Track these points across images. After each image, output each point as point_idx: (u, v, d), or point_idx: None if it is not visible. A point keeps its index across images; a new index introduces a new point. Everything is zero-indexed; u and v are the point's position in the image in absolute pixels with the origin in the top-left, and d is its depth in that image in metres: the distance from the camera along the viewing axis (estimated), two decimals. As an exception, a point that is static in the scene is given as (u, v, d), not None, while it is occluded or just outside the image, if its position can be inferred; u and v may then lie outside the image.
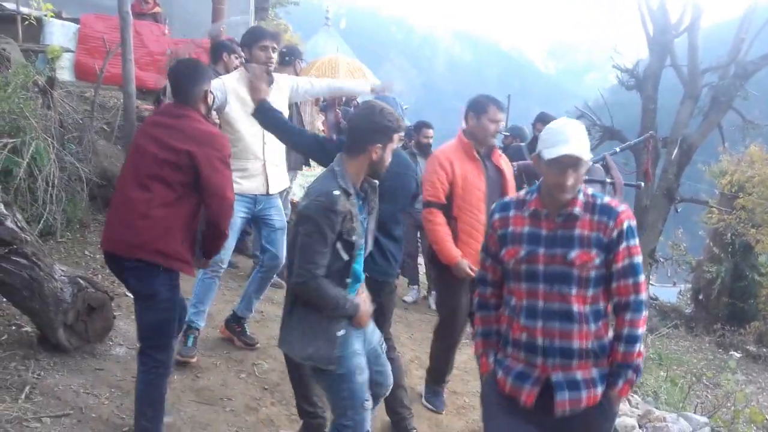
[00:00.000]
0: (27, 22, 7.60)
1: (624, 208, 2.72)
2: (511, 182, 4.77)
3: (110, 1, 8.03)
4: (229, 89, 4.67)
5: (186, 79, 3.65)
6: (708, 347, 16.39)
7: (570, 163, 2.63)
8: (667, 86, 14.18)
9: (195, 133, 3.52)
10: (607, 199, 2.77)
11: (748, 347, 16.06)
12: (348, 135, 3.23)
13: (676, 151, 12.78)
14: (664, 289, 21.59)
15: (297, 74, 6.53)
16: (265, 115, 4.02)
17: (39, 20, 8.74)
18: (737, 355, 13.06)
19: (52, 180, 5.57)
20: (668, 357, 9.31)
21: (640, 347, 2.72)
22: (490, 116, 4.53)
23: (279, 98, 4.72)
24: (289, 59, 6.55)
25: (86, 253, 6.18)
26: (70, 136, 6.87)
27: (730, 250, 18.53)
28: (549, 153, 2.67)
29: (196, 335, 4.78)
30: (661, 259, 16.55)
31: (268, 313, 5.81)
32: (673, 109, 13.86)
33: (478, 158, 4.58)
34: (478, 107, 4.58)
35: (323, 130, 8.37)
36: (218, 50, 6.51)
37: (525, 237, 2.76)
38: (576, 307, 2.66)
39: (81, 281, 4.38)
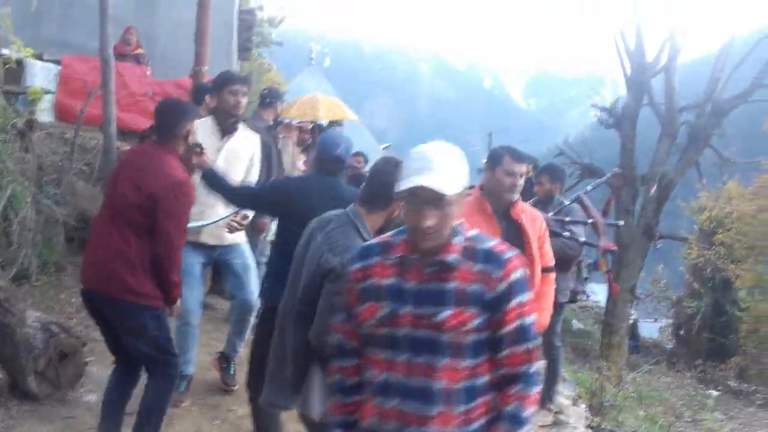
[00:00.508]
0: (8, 65, 7.62)
1: (514, 254, 2.19)
2: (533, 240, 4.17)
3: (93, 43, 8.07)
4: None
5: (168, 116, 3.72)
6: (689, 383, 16.37)
7: (429, 198, 2.05)
8: (647, 123, 14.39)
9: (162, 177, 3.55)
10: (492, 242, 2.22)
11: (729, 383, 16.05)
12: (369, 189, 3.13)
13: (654, 188, 12.91)
14: (646, 324, 21.66)
15: (278, 116, 6.58)
16: (208, 179, 4.04)
17: (20, 62, 8.75)
18: (715, 393, 13.08)
19: (28, 223, 5.53)
20: (648, 396, 9.31)
21: None
22: (506, 168, 3.95)
23: (241, 151, 4.71)
24: (270, 101, 6.58)
25: (61, 296, 6.13)
26: (49, 179, 6.87)
27: (710, 285, 18.65)
28: (403, 184, 2.10)
29: (189, 380, 4.75)
30: (641, 296, 16.61)
31: (245, 355, 5.76)
32: (651, 145, 14.03)
33: (493, 216, 4.05)
34: (493, 158, 4.08)
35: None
36: (200, 93, 6.55)
37: (387, 291, 2.16)
38: (439, 384, 2.07)
39: (53, 327, 4.35)
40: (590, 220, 5.54)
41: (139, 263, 3.52)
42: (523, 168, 4.08)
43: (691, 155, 13.28)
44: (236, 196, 4.09)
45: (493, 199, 4.05)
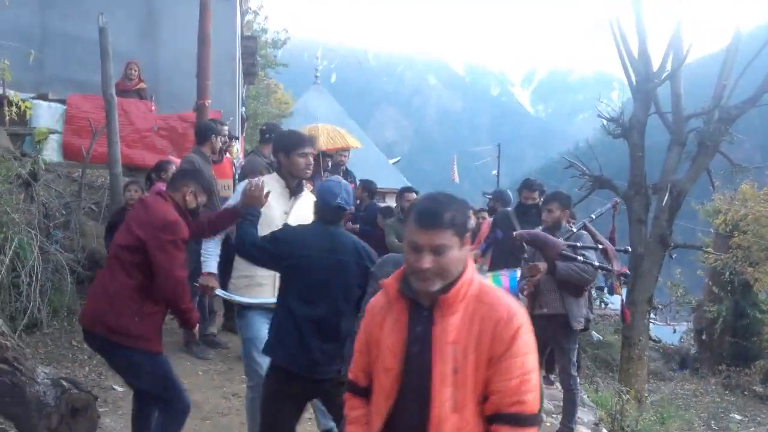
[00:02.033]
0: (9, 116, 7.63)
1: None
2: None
3: (97, 78, 8.10)
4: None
5: (176, 176, 4.28)
6: (714, 389, 16.22)
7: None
8: (656, 129, 14.26)
9: (152, 218, 3.86)
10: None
11: (754, 387, 15.88)
12: None
13: (666, 197, 12.76)
14: (667, 330, 21.45)
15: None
16: (245, 217, 3.96)
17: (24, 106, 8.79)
18: (738, 417, 12.89)
19: (36, 273, 5.52)
20: (669, 415, 9.15)
21: None
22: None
23: (309, 211, 4.49)
24: (269, 137, 6.56)
25: (73, 343, 6.11)
26: (56, 222, 6.87)
27: (729, 288, 18.50)
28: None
29: None
30: (660, 306, 16.46)
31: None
32: (661, 151, 13.88)
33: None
34: None
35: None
36: (206, 132, 6.54)
37: None
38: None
39: (64, 383, 4.29)
40: (600, 246, 5.46)
41: (128, 304, 3.76)
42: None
43: (701, 162, 13.12)
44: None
45: None
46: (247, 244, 3.81)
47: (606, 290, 5.78)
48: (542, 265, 5.35)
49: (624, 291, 14.06)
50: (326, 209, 3.71)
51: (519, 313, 2.16)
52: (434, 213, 2.15)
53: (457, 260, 2.16)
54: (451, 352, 2.13)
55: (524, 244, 5.59)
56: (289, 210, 4.41)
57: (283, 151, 4.48)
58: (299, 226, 3.87)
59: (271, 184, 4.36)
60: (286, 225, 3.92)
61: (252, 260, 3.88)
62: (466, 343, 2.13)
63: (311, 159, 4.52)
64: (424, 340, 2.18)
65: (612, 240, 6.08)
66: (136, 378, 3.90)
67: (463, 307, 2.16)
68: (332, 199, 3.68)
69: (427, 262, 2.12)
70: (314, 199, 3.97)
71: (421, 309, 2.23)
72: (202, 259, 4.47)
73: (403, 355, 2.22)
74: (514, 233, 5.50)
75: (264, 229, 3.96)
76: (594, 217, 5.97)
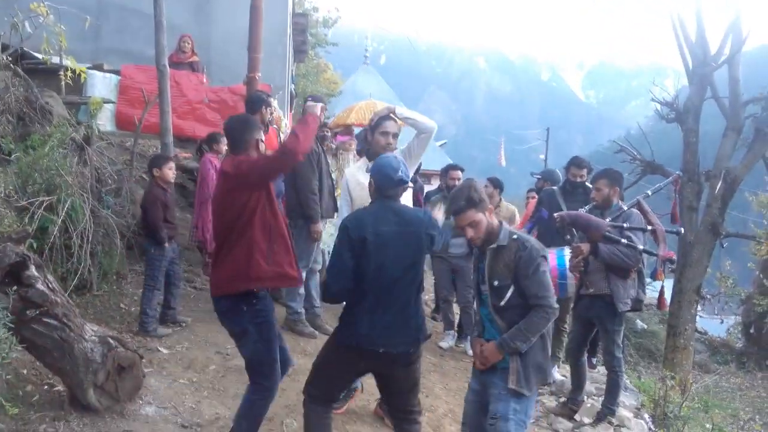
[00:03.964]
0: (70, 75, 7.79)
1: None
2: None
3: (151, 51, 8.24)
4: (351, 182, 4.94)
5: (234, 131, 4.04)
6: (760, 384, 15.84)
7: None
8: (710, 114, 13.89)
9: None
10: None
11: (802, 383, 15.47)
12: None
13: (720, 184, 12.44)
14: (713, 323, 21.00)
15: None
16: None
17: (80, 74, 8.96)
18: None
19: (87, 235, 5.64)
20: (715, 404, 8.97)
21: None
22: None
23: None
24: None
25: (122, 306, 6.24)
26: (108, 189, 7.00)
27: (781, 282, 17.98)
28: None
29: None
30: (708, 296, 16.10)
31: (300, 365, 5.74)
32: (715, 139, 13.53)
33: None
34: None
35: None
36: (257, 103, 6.52)
37: None
38: None
39: (111, 341, 4.39)
40: (650, 227, 5.33)
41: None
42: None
43: (758, 149, 12.75)
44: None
45: None
46: (333, 287, 3.78)
47: (649, 274, 5.61)
48: (585, 247, 5.27)
49: (670, 279, 13.86)
50: (388, 184, 3.75)
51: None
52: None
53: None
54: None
55: (566, 228, 5.50)
56: None
57: (371, 129, 4.74)
58: (360, 210, 3.91)
59: (361, 166, 4.76)
60: (351, 214, 3.96)
61: (347, 284, 3.74)
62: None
63: (392, 138, 4.74)
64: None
65: (674, 216, 5.97)
66: (247, 340, 3.96)
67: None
68: (393, 173, 3.72)
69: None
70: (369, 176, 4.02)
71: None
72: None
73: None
74: (556, 215, 5.41)
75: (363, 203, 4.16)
76: (650, 193, 5.83)
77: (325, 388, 3.91)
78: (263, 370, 3.91)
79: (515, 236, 3.68)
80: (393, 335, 3.67)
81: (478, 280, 3.82)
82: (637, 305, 5.60)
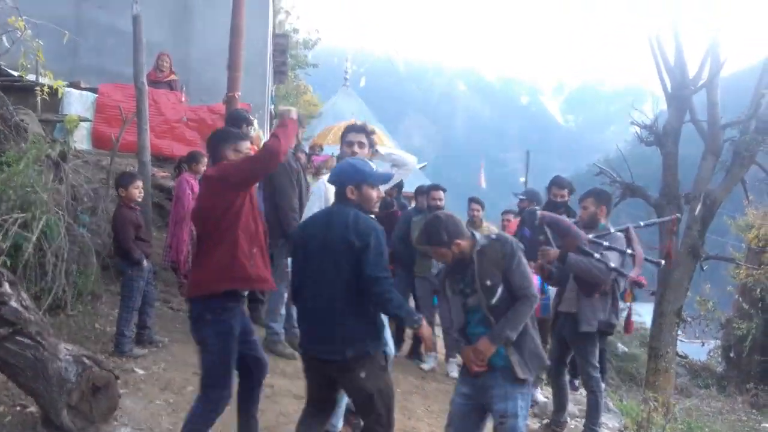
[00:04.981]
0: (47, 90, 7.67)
1: None
2: None
3: (129, 70, 8.16)
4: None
5: (214, 142, 4.11)
6: (741, 407, 15.85)
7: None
8: (689, 138, 14.00)
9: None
10: None
11: (782, 407, 15.48)
12: None
13: (699, 207, 12.52)
14: (693, 346, 21.06)
15: (299, 141, 6.51)
16: None
17: (56, 91, 8.84)
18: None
19: (62, 254, 5.51)
20: (697, 425, 8.93)
21: None
22: None
23: None
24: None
25: (96, 326, 6.10)
26: (84, 207, 6.87)
27: (760, 306, 18.08)
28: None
29: None
30: (689, 319, 16.12)
31: (279, 387, 5.63)
32: (694, 163, 13.64)
33: None
34: None
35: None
36: (238, 120, 6.49)
37: None
38: None
39: (86, 360, 4.26)
40: (629, 251, 5.29)
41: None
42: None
43: (736, 173, 12.86)
44: None
45: None
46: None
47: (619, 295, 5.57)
48: (554, 252, 5.24)
49: (649, 303, 13.86)
50: (337, 189, 3.86)
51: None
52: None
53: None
54: None
55: (545, 228, 5.45)
56: None
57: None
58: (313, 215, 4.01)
59: None
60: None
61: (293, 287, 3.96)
62: None
63: (356, 148, 4.80)
64: None
65: (669, 255, 5.98)
66: (206, 350, 3.96)
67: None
68: (338, 175, 3.86)
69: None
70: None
71: None
72: None
73: None
74: (538, 212, 5.38)
75: None
76: (642, 224, 5.83)
77: (308, 393, 3.98)
78: (212, 381, 3.85)
79: (494, 236, 3.95)
80: (319, 342, 3.72)
81: (462, 290, 3.91)
82: (608, 328, 5.54)
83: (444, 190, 7.94)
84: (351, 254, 3.60)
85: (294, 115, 4.09)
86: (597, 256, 5.13)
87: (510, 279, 3.76)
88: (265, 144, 3.88)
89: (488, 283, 3.77)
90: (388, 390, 3.77)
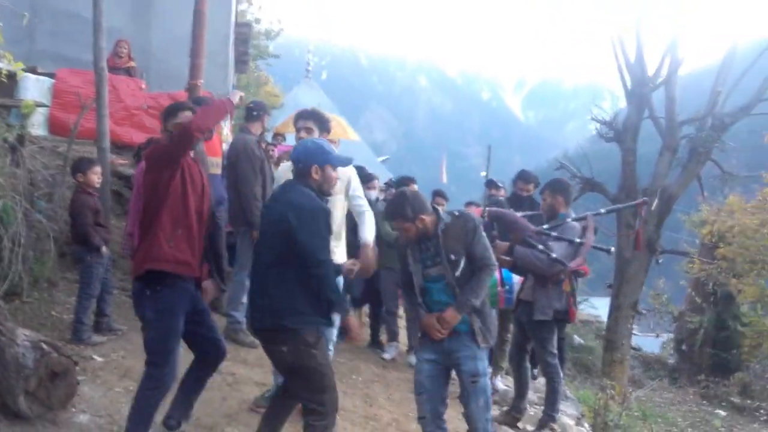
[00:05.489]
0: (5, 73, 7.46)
1: None
2: None
3: (87, 56, 7.99)
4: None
5: (163, 118, 4.17)
6: (692, 399, 16.22)
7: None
8: (647, 136, 14.27)
9: None
10: None
11: (732, 399, 15.89)
12: None
13: (655, 202, 12.76)
14: (647, 339, 21.50)
15: (264, 129, 6.54)
16: None
17: (12, 75, 8.61)
18: (723, 413, 12.86)
19: (18, 239, 5.39)
20: (653, 414, 9.13)
21: None
22: None
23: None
24: (257, 114, 6.52)
25: (53, 313, 5.98)
26: (41, 193, 6.73)
27: (712, 300, 18.53)
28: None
29: None
30: (644, 311, 16.44)
31: (241, 375, 5.60)
32: (652, 159, 13.89)
33: None
34: None
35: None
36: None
37: None
38: None
39: (44, 346, 4.18)
40: (578, 240, 5.37)
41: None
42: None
43: (692, 169, 13.15)
44: None
45: None
46: None
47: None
48: (503, 246, 5.33)
49: (605, 297, 14.09)
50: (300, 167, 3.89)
51: None
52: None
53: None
54: None
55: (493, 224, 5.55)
56: None
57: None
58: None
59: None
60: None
61: None
62: None
63: (303, 134, 4.72)
64: None
65: (638, 241, 6.09)
66: (148, 326, 3.94)
67: None
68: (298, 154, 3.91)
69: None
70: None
71: None
72: None
73: None
74: (485, 208, 5.50)
75: None
76: (603, 211, 5.92)
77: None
78: (155, 359, 3.84)
79: (456, 213, 4.22)
80: (252, 309, 3.84)
81: (424, 260, 4.14)
82: (565, 317, 5.63)
83: (415, 182, 7.93)
84: (286, 229, 3.62)
85: (235, 97, 4.15)
86: (540, 247, 5.23)
87: (473, 252, 4.06)
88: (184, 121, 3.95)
89: (453, 257, 4.03)
90: (318, 369, 3.67)
